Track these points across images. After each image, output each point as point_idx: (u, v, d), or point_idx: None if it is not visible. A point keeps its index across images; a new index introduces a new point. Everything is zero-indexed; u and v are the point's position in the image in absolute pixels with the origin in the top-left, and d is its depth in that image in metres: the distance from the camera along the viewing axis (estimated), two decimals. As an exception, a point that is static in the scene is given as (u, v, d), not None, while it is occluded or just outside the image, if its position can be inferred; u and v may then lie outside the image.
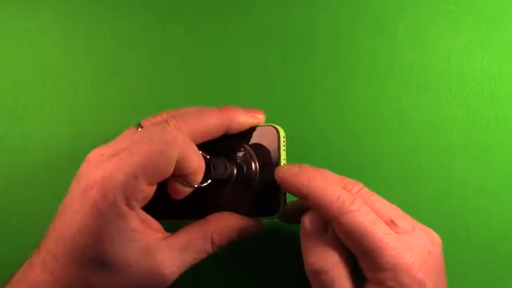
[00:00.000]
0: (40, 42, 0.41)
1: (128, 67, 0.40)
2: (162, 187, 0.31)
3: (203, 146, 0.31)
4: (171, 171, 0.29)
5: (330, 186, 0.30)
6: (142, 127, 0.32)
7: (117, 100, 0.40)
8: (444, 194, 0.39)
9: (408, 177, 0.39)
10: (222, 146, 0.33)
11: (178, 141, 0.29)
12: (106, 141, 0.40)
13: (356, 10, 0.40)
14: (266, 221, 0.34)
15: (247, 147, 0.33)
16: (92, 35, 0.41)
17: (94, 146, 0.40)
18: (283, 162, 0.33)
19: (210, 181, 0.32)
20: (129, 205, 0.28)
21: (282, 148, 0.33)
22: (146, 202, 0.29)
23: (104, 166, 0.28)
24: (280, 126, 0.34)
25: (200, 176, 0.31)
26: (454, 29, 0.40)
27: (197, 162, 0.30)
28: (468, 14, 0.40)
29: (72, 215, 0.28)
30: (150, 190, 0.29)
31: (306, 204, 0.31)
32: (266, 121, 0.34)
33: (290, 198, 0.33)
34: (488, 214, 0.38)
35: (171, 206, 0.32)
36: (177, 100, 0.40)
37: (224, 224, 0.32)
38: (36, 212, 0.40)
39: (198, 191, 0.32)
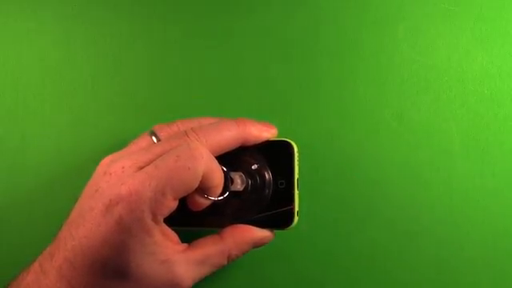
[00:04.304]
0: (40, 42, 0.41)
1: (128, 67, 0.40)
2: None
3: (219, 158, 0.32)
4: (196, 186, 0.30)
5: None
6: (157, 136, 0.33)
7: (116, 100, 0.40)
8: (444, 194, 0.39)
9: (408, 177, 0.39)
10: (236, 158, 0.34)
11: (203, 156, 0.29)
12: (105, 141, 0.40)
13: (356, 11, 0.40)
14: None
15: (261, 160, 0.34)
16: (92, 36, 0.41)
17: (93, 146, 0.40)
18: (296, 175, 0.33)
19: (227, 193, 0.33)
20: (154, 220, 0.29)
21: (296, 162, 0.33)
22: (169, 214, 0.30)
23: (130, 182, 0.28)
24: (280, 125, 0.34)
25: (220, 189, 0.32)
26: (454, 29, 0.40)
27: (219, 177, 0.31)
28: (468, 14, 0.40)
29: (94, 227, 0.28)
30: (174, 204, 0.29)
31: None
32: (266, 120, 0.35)
33: (302, 211, 0.33)
34: (488, 213, 0.38)
35: (184, 214, 0.32)
36: (177, 100, 0.40)
37: (240, 239, 0.32)
38: (36, 212, 0.40)
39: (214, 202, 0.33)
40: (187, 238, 0.32)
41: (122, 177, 0.29)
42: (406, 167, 0.39)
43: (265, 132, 0.33)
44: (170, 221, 0.30)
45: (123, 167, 0.29)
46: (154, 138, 0.33)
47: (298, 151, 0.34)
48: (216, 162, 0.31)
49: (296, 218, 0.33)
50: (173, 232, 0.31)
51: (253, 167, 0.34)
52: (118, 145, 0.34)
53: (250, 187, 0.34)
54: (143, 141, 0.33)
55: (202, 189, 0.31)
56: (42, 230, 0.39)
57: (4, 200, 0.40)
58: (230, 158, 0.33)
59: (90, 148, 0.40)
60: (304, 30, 0.40)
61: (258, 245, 0.33)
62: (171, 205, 0.29)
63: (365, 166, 0.39)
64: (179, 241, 0.31)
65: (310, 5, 0.40)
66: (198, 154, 0.29)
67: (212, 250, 0.31)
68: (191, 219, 0.34)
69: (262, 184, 0.34)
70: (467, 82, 0.39)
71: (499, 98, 0.39)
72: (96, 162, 0.31)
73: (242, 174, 0.34)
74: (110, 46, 0.41)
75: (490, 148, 0.39)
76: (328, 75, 0.40)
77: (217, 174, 0.31)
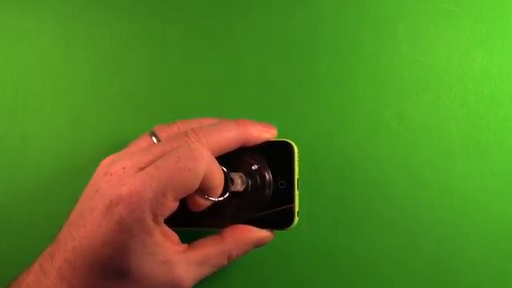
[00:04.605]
0: (40, 42, 0.41)
1: (128, 67, 0.40)
2: None
3: (219, 159, 0.32)
4: (197, 187, 0.30)
5: None
6: (157, 137, 0.33)
7: (116, 100, 0.40)
8: (444, 194, 0.39)
9: (408, 177, 0.39)
10: (237, 159, 0.34)
11: (204, 157, 0.29)
12: (105, 141, 0.40)
13: (356, 10, 0.40)
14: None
15: (261, 160, 0.34)
16: (92, 36, 0.41)
17: (94, 146, 0.40)
18: (297, 176, 0.33)
19: (228, 194, 0.33)
20: (155, 220, 0.29)
21: (296, 163, 0.33)
22: (169, 215, 0.30)
23: (130, 182, 0.28)
24: (280, 125, 0.34)
25: (220, 190, 0.32)
26: (454, 29, 0.40)
27: (219, 178, 0.31)
28: (468, 14, 0.40)
29: (94, 228, 0.28)
30: (174, 205, 0.29)
31: None
32: (266, 120, 0.35)
33: (303, 211, 0.33)
34: (488, 213, 0.38)
35: (185, 214, 0.32)
36: (177, 100, 0.40)
37: (241, 239, 0.32)
38: (36, 212, 0.40)
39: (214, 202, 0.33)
40: (188, 239, 0.32)
41: (123, 177, 0.29)
42: (405, 167, 0.39)
43: (265, 133, 0.33)
44: (171, 221, 0.30)
45: (124, 168, 0.29)
46: (154, 139, 0.33)
47: (298, 152, 0.34)
48: (216, 162, 0.31)
49: (296, 219, 0.33)
50: (173, 232, 0.31)
51: (253, 168, 0.34)
52: (118, 145, 0.34)
53: (250, 188, 0.34)
54: (143, 141, 0.33)
55: (203, 189, 0.31)
56: (41, 230, 0.39)
57: (4, 200, 0.40)
58: (231, 159, 0.33)
59: (90, 148, 0.40)
60: (304, 30, 0.40)
61: (258, 245, 0.33)
62: (172, 205, 0.29)
63: (365, 166, 0.39)
64: (179, 241, 0.31)
65: (309, 5, 0.40)
66: (198, 155, 0.29)
67: (212, 250, 0.31)
68: (192, 220, 0.34)
69: (263, 184, 0.34)
70: (467, 82, 0.39)
71: (499, 98, 0.39)
72: (96, 162, 0.31)
73: (242, 174, 0.34)
74: (110, 46, 0.41)
75: (490, 148, 0.39)
76: (328, 75, 0.40)
77: (217, 174, 0.31)
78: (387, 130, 0.39)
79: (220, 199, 0.32)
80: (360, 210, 0.39)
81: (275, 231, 0.34)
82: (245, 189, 0.33)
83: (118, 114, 0.40)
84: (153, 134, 0.33)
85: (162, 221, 0.29)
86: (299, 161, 0.34)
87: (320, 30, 0.40)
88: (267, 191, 0.34)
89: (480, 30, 0.40)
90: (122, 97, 0.40)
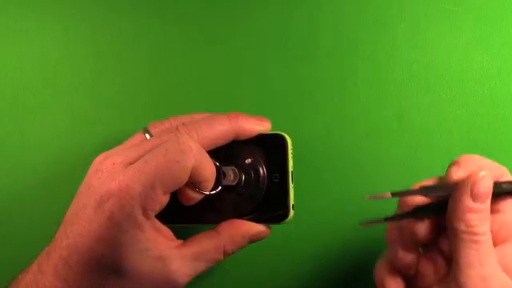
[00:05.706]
0: (40, 41, 0.41)
1: (128, 67, 0.41)
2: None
3: (212, 153, 0.31)
4: (186, 180, 0.29)
5: None
6: (149, 133, 0.33)
7: (116, 100, 0.40)
8: (444, 194, 0.39)
9: (408, 177, 0.39)
10: (230, 153, 0.33)
11: (192, 150, 0.29)
12: (105, 141, 0.40)
13: (356, 10, 0.40)
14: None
15: (255, 154, 0.33)
16: (92, 35, 0.41)
17: (93, 145, 0.40)
18: (291, 169, 0.33)
19: (220, 188, 0.32)
20: (145, 215, 0.29)
21: (290, 155, 0.33)
22: (160, 210, 0.30)
23: (120, 178, 0.28)
24: (279, 125, 0.34)
25: (212, 183, 0.32)
26: (454, 29, 0.40)
27: (210, 171, 0.31)
28: (468, 14, 0.40)
29: (87, 225, 0.28)
30: (165, 199, 0.29)
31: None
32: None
33: (297, 206, 0.33)
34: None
35: (178, 210, 0.32)
36: (177, 100, 0.40)
37: (236, 234, 0.32)
38: (36, 212, 0.40)
39: (207, 197, 0.32)
40: (183, 237, 0.32)
41: (113, 173, 0.29)
42: (405, 167, 0.39)
43: (257, 125, 0.33)
44: (166, 218, 0.30)
45: (114, 164, 0.29)
46: (146, 135, 0.33)
47: (292, 144, 0.33)
48: (207, 155, 0.30)
49: (291, 212, 0.33)
50: (166, 228, 0.31)
51: (246, 161, 0.33)
52: (118, 144, 0.34)
53: (243, 182, 0.33)
54: (136, 138, 0.33)
55: (193, 183, 0.31)
56: (41, 229, 0.39)
57: (4, 200, 0.40)
58: (223, 153, 0.33)
59: (89, 148, 0.40)
60: (304, 29, 0.40)
61: (254, 239, 0.33)
62: (162, 199, 0.29)
63: (365, 166, 0.39)
64: (174, 237, 0.31)
65: (309, 5, 0.40)
66: (186, 148, 0.29)
67: (207, 245, 0.31)
68: (186, 216, 0.33)
69: (256, 178, 0.33)
70: (467, 81, 0.39)
71: (499, 98, 0.39)
72: (95, 161, 0.31)
73: (234, 168, 0.33)
74: (110, 45, 0.41)
75: (489, 148, 0.39)
76: (328, 75, 0.40)
77: (207, 167, 0.30)
78: (387, 129, 0.39)
79: (212, 193, 0.32)
80: (359, 210, 0.39)
81: (271, 225, 0.33)
82: (238, 183, 0.33)
83: (117, 114, 0.40)
84: (145, 130, 0.33)
85: (153, 216, 0.29)
86: (293, 153, 0.33)
87: (320, 30, 0.40)
88: (261, 185, 0.33)
89: (480, 30, 0.40)
90: (121, 96, 0.40)
